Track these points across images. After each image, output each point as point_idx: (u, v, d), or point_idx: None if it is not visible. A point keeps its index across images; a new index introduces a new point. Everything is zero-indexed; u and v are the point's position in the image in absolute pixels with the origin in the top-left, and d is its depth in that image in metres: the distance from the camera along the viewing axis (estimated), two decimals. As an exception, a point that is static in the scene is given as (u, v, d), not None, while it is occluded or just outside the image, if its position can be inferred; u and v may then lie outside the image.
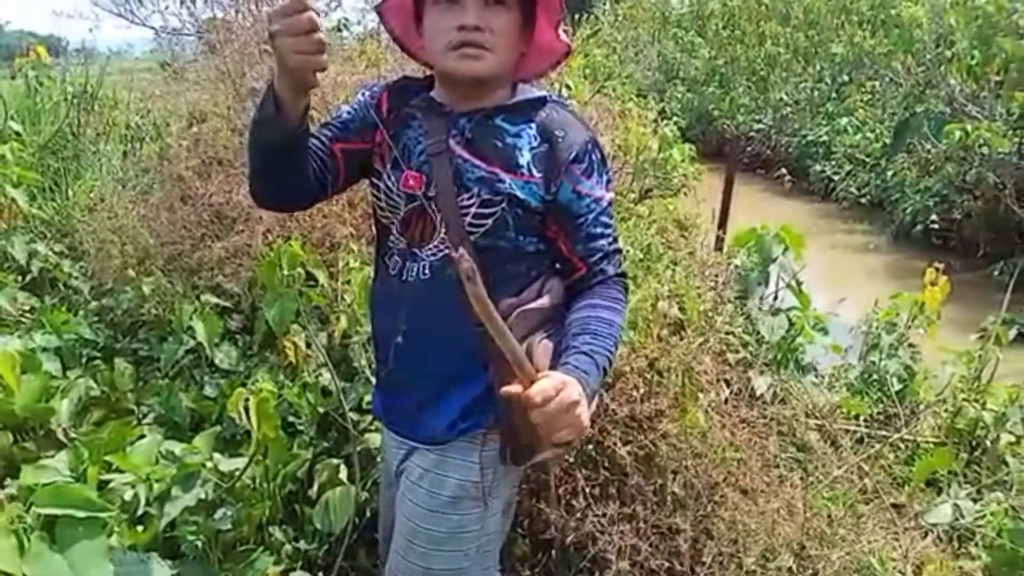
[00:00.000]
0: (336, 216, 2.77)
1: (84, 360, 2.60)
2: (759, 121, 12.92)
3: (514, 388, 1.03)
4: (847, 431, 2.62)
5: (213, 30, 3.65)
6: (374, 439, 2.06)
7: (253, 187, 1.29)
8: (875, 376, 3.06)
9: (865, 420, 2.81)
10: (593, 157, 1.27)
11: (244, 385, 2.05)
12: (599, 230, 1.27)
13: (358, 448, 2.02)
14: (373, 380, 1.55)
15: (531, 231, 1.27)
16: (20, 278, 3.09)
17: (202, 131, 3.27)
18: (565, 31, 1.33)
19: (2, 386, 1.89)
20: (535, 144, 1.25)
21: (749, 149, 12.39)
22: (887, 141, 9.49)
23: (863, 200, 9.76)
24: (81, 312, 2.93)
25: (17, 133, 4.21)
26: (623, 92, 5.70)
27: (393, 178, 1.28)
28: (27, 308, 2.85)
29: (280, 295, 2.22)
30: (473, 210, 1.23)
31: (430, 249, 1.27)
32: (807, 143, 11.50)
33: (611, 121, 4.27)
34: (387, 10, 1.32)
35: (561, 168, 1.24)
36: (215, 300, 2.70)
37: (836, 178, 10.43)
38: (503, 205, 1.23)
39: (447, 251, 1.23)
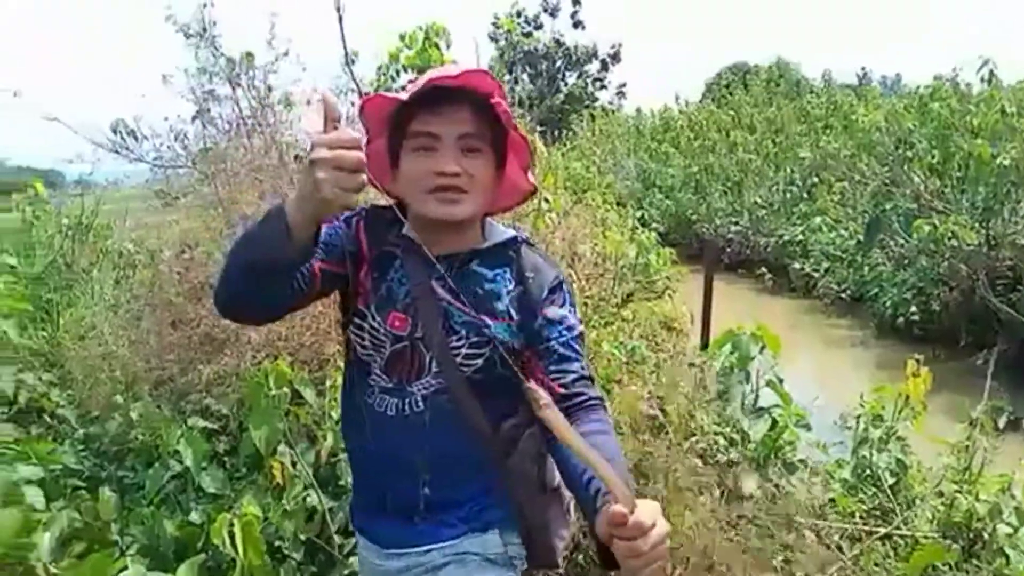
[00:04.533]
0: (324, 333, 2.83)
1: (68, 490, 2.56)
2: (736, 223, 13.33)
3: (622, 508, 0.95)
4: (843, 529, 2.59)
5: (205, 161, 3.82)
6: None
7: (226, 298, 1.23)
8: (867, 471, 3.05)
9: (861, 516, 2.78)
10: (563, 289, 1.34)
11: (231, 509, 2.03)
12: (571, 354, 1.30)
13: (345, 572, 1.98)
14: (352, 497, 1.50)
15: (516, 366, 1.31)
16: (7, 409, 3.08)
17: (194, 256, 3.36)
18: (533, 172, 1.41)
19: (-15, 521, 1.86)
20: (511, 288, 1.32)
21: (728, 250, 12.74)
22: (860, 238, 9.79)
23: (844, 295, 9.97)
24: (67, 441, 2.91)
25: (12, 266, 4.30)
26: (602, 202, 5.92)
27: (379, 319, 1.31)
28: (12, 440, 2.82)
29: (267, 415, 2.23)
30: (464, 351, 1.28)
31: (421, 384, 1.30)
32: (784, 243, 11.84)
33: (591, 230, 4.43)
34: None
35: (536, 306, 1.30)
36: (202, 423, 2.70)
37: (816, 275, 10.68)
38: (490, 347, 1.28)
39: (440, 385, 1.28)
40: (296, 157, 3.68)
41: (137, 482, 2.67)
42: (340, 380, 2.50)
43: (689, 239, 13.07)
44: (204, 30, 3.64)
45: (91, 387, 3.26)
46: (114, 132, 3.76)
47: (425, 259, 1.27)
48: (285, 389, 1.98)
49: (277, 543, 2.22)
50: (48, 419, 3.18)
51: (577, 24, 28.94)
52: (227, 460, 2.73)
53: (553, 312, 1.31)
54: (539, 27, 28.71)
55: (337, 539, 2.00)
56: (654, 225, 9.02)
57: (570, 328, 1.32)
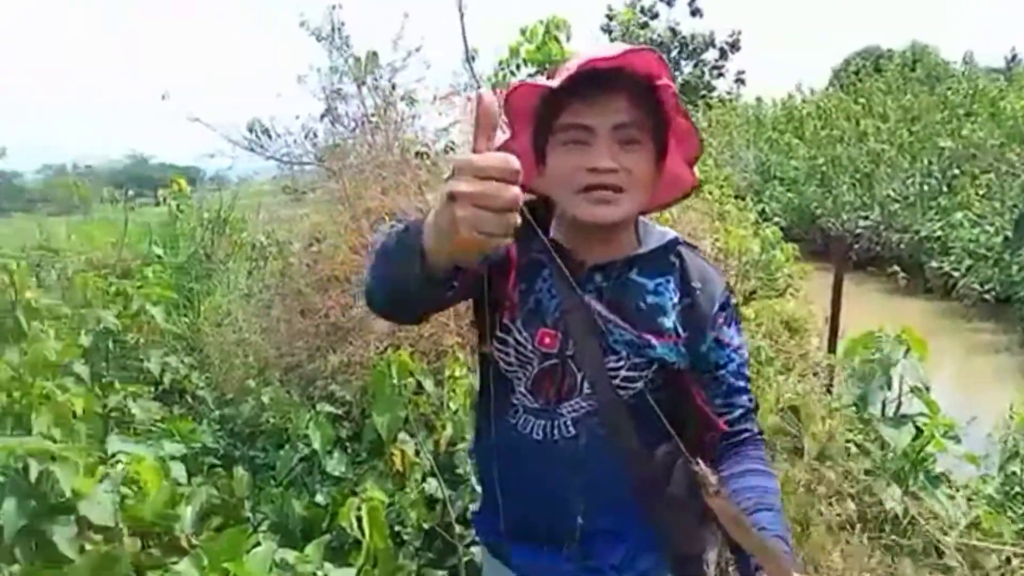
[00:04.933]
0: (443, 325, 2.88)
1: (206, 468, 2.74)
2: (866, 218, 12.55)
3: None
4: (991, 550, 2.37)
5: (331, 157, 3.98)
6: (479, 552, 2.04)
7: (373, 300, 1.11)
8: (1017, 488, 2.79)
9: (1011, 537, 2.54)
10: (731, 304, 1.23)
11: (354, 493, 2.10)
12: (740, 383, 1.21)
13: (464, 560, 2.01)
14: (478, 510, 1.40)
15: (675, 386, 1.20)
16: (154, 388, 3.33)
17: (321, 249, 3.51)
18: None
19: (138, 491, 2.01)
20: (676, 301, 1.18)
21: (856, 247, 12.01)
22: (1008, 235, 9.00)
23: (987, 297, 9.19)
24: (205, 421, 3.11)
25: (159, 256, 4.66)
26: (720, 195, 5.72)
27: (526, 334, 1.18)
28: (158, 418, 3.05)
29: (390, 403, 2.29)
30: (622, 373, 1.15)
31: (570, 405, 1.18)
32: (920, 239, 11.04)
33: (710, 224, 4.29)
34: None
35: (705, 324, 1.18)
36: (328, 408, 2.82)
37: (956, 274, 9.90)
38: (653, 368, 1.15)
39: (592, 407, 1.17)
40: (417, 154, 3.77)
41: (268, 462, 2.81)
42: (458, 371, 2.57)
43: (812, 234, 12.42)
44: (334, 30, 3.78)
45: (227, 371, 3.48)
46: (250, 131, 3.98)
47: (577, 267, 1.15)
48: (409, 379, 2.02)
49: (397, 528, 2.28)
50: (189, 400, 3.41)
51: (695, 12, 28.12)
52: (349, 445, 2.83)
53: (724, 334, 1.19)
54: (655, 16, 28.14)
55: (457, 528, 2.03)
56: (775, 219, 8.65)
57: (739, 351, 1.21)
